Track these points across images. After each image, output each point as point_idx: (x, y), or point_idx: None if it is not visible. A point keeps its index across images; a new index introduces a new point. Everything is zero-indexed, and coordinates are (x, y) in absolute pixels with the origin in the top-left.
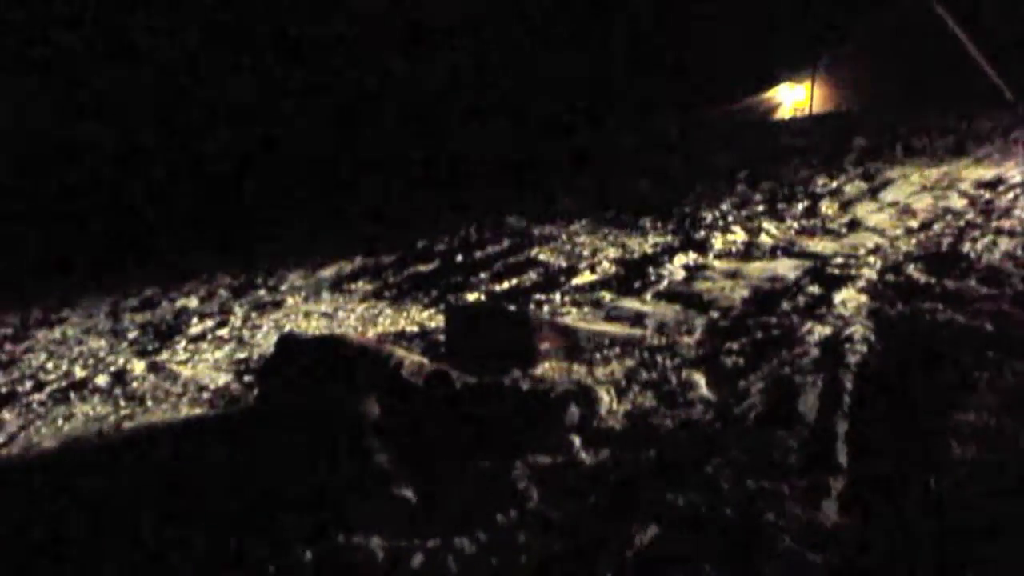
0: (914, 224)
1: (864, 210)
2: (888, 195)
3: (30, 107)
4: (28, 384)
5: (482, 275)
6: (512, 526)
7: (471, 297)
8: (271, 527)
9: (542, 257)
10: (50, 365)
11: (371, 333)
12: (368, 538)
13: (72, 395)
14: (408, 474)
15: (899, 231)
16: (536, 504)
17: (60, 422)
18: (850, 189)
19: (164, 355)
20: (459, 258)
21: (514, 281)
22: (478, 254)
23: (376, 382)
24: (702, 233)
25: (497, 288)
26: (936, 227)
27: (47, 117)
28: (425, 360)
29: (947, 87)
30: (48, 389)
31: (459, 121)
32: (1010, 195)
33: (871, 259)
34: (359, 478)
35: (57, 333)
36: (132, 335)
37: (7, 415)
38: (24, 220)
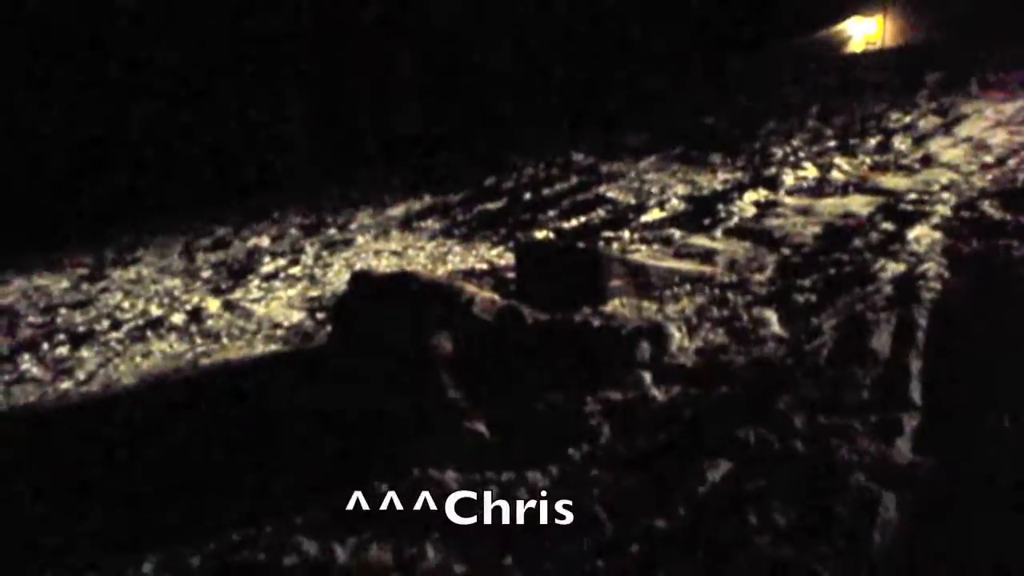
0: (989, 159)
1: (938, 145)
2: (962, 130)
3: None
4: (106, 323)
5: (551, 212)
6: (584, 461)
7: (540, 235)
8: (347, 462)
9: (610, 194)
10: (127, 304)
11: (441, 271)
12: (443, 472)
13: (149, 333)
14: (481, 409)
15: (973, 167)
16: (608, 439)
17: (138, 359)
18: (923, 124)
19: (238, 293)
20: (527, 196)
21: (583, 218)
22: (546, 191)
23: (448, 318)
24: (773, 169)
25: (566, 225)
26: (1011, 162)
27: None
28: (496, 296)
29: (1022, 19)
30: (125, 327)
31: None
32: None
33: (945, 195)
34: (433, 413)
35: (132, 273)
36: (206, 274)
37: (86, 353)
38: (98, 161)
